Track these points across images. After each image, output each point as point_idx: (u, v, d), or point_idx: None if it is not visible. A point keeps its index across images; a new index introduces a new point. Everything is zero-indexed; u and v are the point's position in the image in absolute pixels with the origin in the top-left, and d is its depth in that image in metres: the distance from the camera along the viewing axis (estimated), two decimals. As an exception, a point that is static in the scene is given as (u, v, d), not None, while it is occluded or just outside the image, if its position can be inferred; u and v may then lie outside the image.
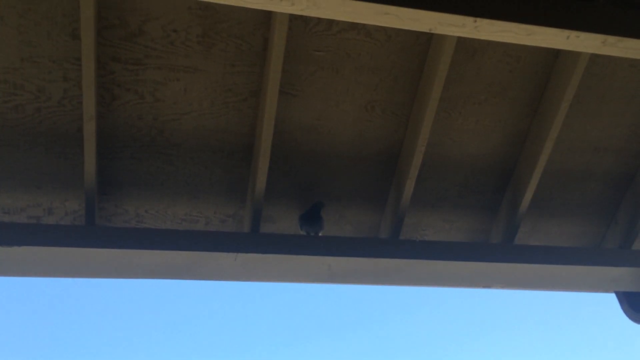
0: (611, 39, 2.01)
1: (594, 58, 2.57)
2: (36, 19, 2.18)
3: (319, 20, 2.34)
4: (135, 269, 2.48)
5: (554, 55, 2.59)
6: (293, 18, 2.29)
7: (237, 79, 2.43)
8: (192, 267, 2.50)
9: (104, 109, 2.39)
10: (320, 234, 2.68)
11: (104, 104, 2.38)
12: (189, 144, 2.54)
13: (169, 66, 2.35)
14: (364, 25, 2.38)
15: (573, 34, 1.99)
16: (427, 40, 2.47)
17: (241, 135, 2.56)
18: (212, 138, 2.54)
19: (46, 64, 2.26)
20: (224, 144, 2.57)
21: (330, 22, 2.35)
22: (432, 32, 1.96)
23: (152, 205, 2.64)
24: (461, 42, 2.44)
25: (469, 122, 2.71)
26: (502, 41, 2.02)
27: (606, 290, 3.02)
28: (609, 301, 3.12)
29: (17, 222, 2.53)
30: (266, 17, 2.31)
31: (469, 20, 1.91)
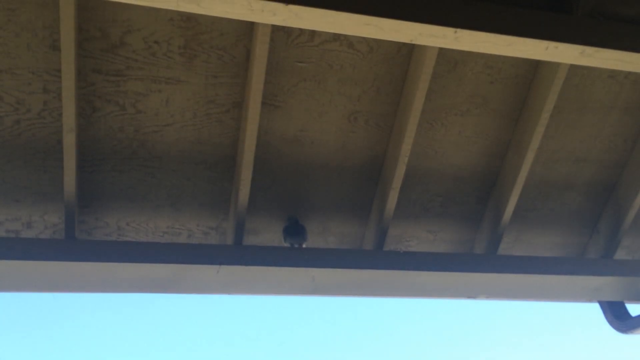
0: (589, 49, 2.04)
1: (574, 69, 2.60)
2: (16, 30, 2.16)
3: (301, 31, 2.34)
4: (116, 282, 2.44)
5: (534, 66, 2.61)
6: (275, 29, 2.30)
7: (219, 91, 2.42)
8: (174, 281, 2.47)
9: (84, 121, 2.37)
10: (303, 246, 2.66)
11: (85, 115, 2.36)
12: (171, 155, 2.52)
13: (151, 77, 2.34)
14: (346, 36, 2.39)
15: (552, 44, 2.01)
16: (408, 52, 2.48)
17: (224, 146, 2.54)
18: (194, 150, 2.53)
19: (26, 76, 2.24)
20: (206, 155, 2.55)
21: (313, 34, 2.36)
22: (413, 42, 1.97)
23: (134, 218, 2.61)
24: (442, 53, 2.46)
25: (452, 133, 2.73)
26: (482, 52, 2.04)
27: (589, 300, 3.04)
28: (593, 311, 3.14)
29: (-5, 236, 2.49)
30: (248, 29, 2.31)
31: (449, 31, 1.93)
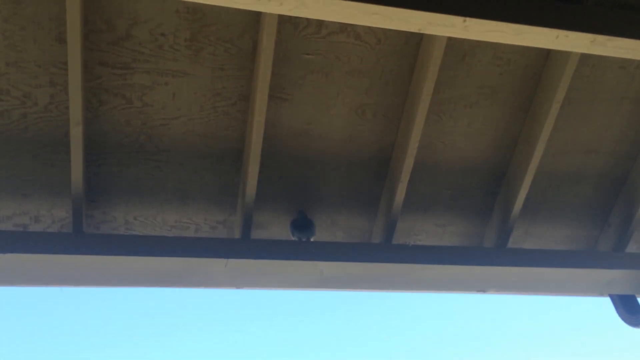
0: (600, 38, 2.01)
1: (584, 59, 2.57)
2: (22, 24, 2.16)
3: (308, 22, 2.32)
4: (123, 276, 2.44)
5: (544, 57, 2.58)
6: (282, 21, 2.28)
7: (226, 83, 2.41)
8: (182, 275, 2.47)
9: (91, 114, 2.36)
10: (311, 240, 2.65)
11: (91, 109, 2.35)
12: (178, 149, 2.51)
13: (157, 70, 2.33)
14: (353, 28, 2.37)
15: (562, 33, 1.99)
16: (417, 43, 2.46)
17: (231, 140, 2.53)
18: (202, 143, 2.52)
19: (32, 69, 2.24)
20: (214, 149, 2.54)
21: (320, 25, 2.34)
22: (422, 32, 1.95)
23: (141, 212, 2.61)
24: (451, 44, 2.43)
25: (461, 125, 2.70)
26: (491, 41, 2.01)
27: (600, 294, 3.00)
28: (604, 305, 3.11)
29: (3, 229, 2.48)
30: (255, 20, 2.29)
31: (458, 20, 1.91)
